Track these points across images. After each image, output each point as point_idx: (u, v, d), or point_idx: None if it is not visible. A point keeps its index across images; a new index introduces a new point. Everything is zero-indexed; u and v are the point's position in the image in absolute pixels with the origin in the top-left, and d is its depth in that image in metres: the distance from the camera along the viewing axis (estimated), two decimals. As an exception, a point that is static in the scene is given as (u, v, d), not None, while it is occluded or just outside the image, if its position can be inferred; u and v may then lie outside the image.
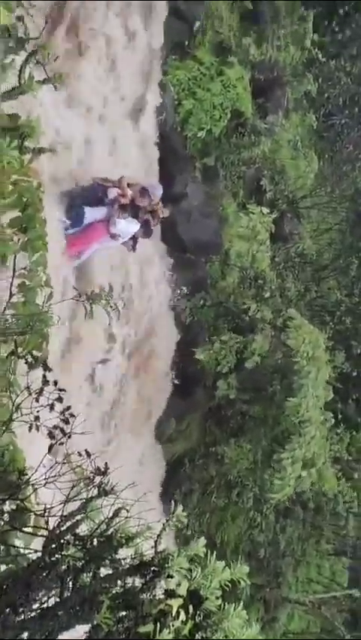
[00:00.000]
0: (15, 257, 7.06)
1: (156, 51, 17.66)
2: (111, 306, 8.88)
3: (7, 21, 6.14)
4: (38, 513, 6.77)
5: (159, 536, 6.36)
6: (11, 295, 7.23)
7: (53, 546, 6.51)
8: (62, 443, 7.16)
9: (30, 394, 6.97)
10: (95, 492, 6.80)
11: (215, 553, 6.58)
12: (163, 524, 6.41)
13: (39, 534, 6.75)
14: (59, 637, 6.37)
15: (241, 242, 18.35)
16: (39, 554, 6.53)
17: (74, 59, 14.56)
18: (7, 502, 6.71)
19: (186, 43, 18.35)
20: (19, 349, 7.03)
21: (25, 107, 6.90)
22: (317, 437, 17.32)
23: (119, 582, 6.40)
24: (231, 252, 18.39)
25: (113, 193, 14.65)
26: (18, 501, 6.74)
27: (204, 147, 18.48)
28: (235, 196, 19.07)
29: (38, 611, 6.37)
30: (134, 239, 15.35)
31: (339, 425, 18.66)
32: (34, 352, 7.45)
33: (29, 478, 6.85)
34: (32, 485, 6.84)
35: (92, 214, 14.50)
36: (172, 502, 15.53)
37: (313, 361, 17.06)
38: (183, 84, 17.88)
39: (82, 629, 6.54)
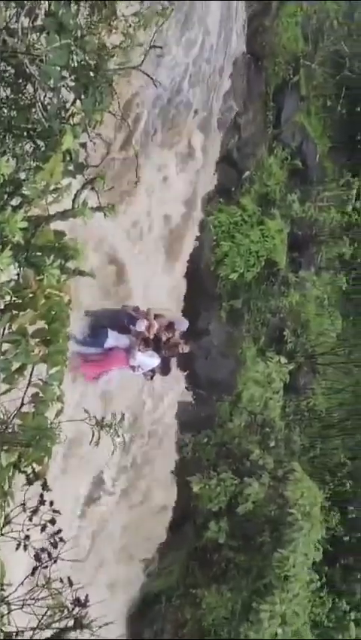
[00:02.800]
0: (33, 367, 7.01)
1: (199, 193, 18.19)
2: (119, 437, 8.71)
3: (71, 145, 6.29)
4: (7, 635, 6.49)
5: None
6: (22, 404, 7.14)
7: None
8: (46, 567, 6.93)
9: (25, 510, 6.80)
10: (71, 623, 6.53)
11: None
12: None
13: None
14: None
15: (255, 387, 18.35)
16: None
17: (127, 189, 14.93)
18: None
19: (233, 189, 18.85)
20: (21, 461, 6.90)
21: (71, 226, 7.01)
22: (299, 596, 16.92)
23: None
24: (243, 395, 18.32)
25: (141, 326, 14.58)
26: (-12, 619, 6.46)
27: (234, 290, 18.69)
28: (255, 341, 19.12)
29: None
30: (153, 370, 15.31)
31: (323, 589, 18.14)
32: (35, 465, 7.29)
33: (7, 597, 6.57)
34: (8, 604, 6.57)
35: (115, 340, 14.46)
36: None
37: (308, 518, 16.82)
38: (223, 227, 18.24)
39: None
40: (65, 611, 6.72)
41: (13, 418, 7.14)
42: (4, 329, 6.41)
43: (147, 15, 7.16)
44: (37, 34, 6.29)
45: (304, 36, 20.49)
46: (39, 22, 6.29)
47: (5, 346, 6.47)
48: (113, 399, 15.38)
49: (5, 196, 6.21)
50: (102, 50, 6.73)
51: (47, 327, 6.93)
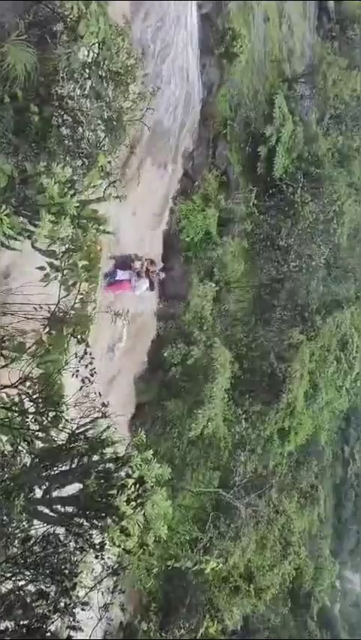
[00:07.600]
0: (80, 284, 6.96)
1: (170, 192, 17.75)
2: (126, 320, 8.89)
3: (103, 162, 6.12)
4: (68, 419, 6.63)
5: (129, 444, 6.26)
6: (75, 303, 7.13)
7: (72, 439, 6.38)
8: (87, 386, 7.03)
9: (76, 357, 6.85)
10: (100, 414, 6.67)
11: (155, 458, 6.49)
12: (132, 438, 6.31)
13: (66, 431, 6.60)
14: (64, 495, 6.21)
15: (198, 299, 18.31)
16: (64, 442, 6.40)
17: (132, 186, 14.53)
18: (49, 413, 6.55)
19: (189, 191, 18.45)
20: (74, 332, 6.93)
21: (101, 207, 6.87)
22: (218, 405, 17.25)
23: (102, 465, 6.28)
24: (191, 303, 18.29)
25: (137, 265, 14.64)
26: (56, 412, 6.59)
27: (187, 246, 18.47)
28: (198, 274, 18.98)
29: (58, 471, 6.23)
30: (147, 288, 15.48)
31: (230, 402, 18.59)
32: (81, 335, 7.32)
33: (66, 401, 6.68)
34: (66, 404, 6.70)
35: (121, 274, 14.51)
36: (138, 428, 15.12)
37: (222, 366, 17.04)
38: (183, 212, 17.94)
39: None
40: (96, 408, 6.87)
41: (70, 309, 7.15)
42: (65, 262, 6.34)
43: (144, 92, 6.89)
44: (85, 99, 6.03)
45: (230, 108, 19.80)
46: (86, 92, 6.02)
47: (65, 272, 6.42)
48: (122, 303, 15.35)
49: (66, 189, 6.06)
50: (120, 110, 6.48)
51: (88, 262, 6.86)
